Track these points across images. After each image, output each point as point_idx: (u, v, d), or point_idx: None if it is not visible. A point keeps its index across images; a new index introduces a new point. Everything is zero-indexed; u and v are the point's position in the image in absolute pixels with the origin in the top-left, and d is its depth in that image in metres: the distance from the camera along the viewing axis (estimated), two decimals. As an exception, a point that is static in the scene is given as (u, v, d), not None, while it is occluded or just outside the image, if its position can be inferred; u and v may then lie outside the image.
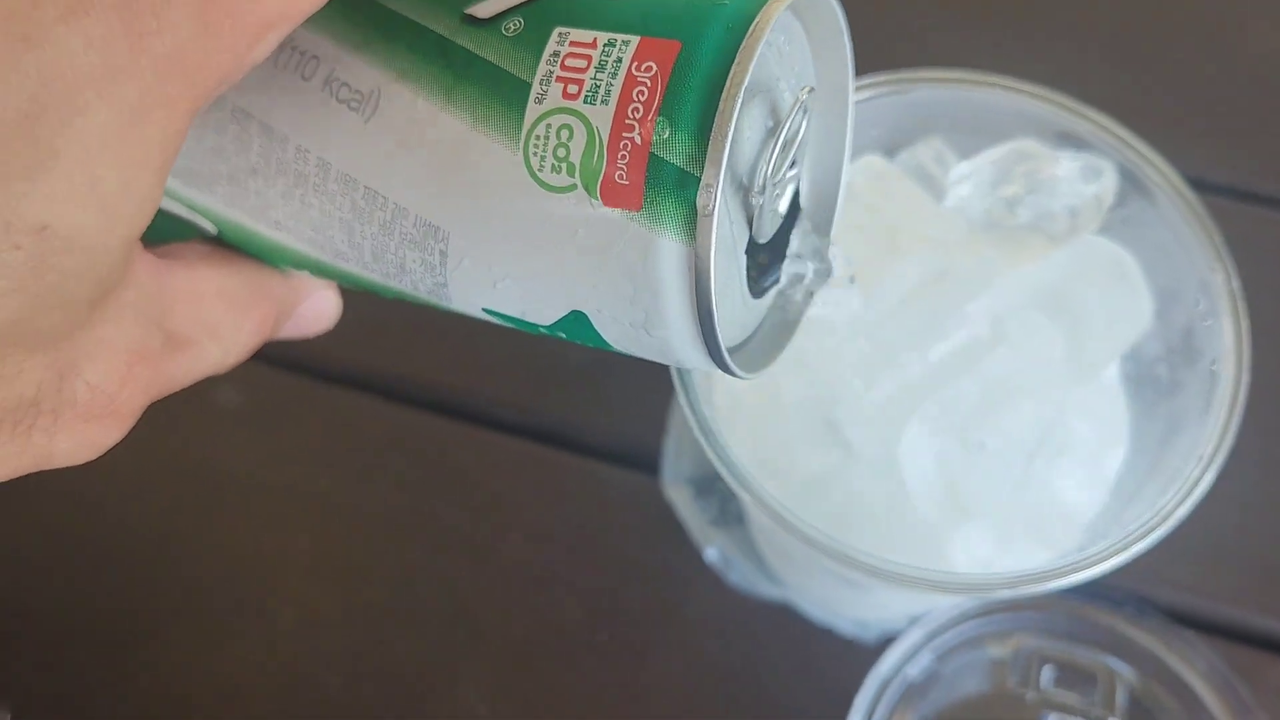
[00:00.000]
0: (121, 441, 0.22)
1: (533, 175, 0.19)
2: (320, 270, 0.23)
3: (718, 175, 0.18)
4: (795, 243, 0.23)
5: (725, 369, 0.21)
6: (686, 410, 0.29)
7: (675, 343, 0.20)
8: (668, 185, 0.18)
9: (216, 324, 0.22)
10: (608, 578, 0.41)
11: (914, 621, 0.37)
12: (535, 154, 0.19)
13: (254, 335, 0.23)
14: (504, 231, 0.20)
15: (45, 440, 0.19)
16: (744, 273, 0.22)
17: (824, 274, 0.23)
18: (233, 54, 0.17)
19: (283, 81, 0.21)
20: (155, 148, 0.17)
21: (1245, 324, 0.28)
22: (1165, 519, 0.27)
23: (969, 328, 0.29)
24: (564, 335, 0.21)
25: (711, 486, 0.41)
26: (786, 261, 0.23)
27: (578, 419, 0.44)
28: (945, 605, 0.37)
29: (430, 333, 0.45)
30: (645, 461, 0.42)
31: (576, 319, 0.21)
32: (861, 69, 0.31)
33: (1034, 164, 0.29)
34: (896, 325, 0.29)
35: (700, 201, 0.18)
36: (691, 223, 0.18)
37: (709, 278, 0.19)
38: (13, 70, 0.16)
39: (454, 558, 0.42)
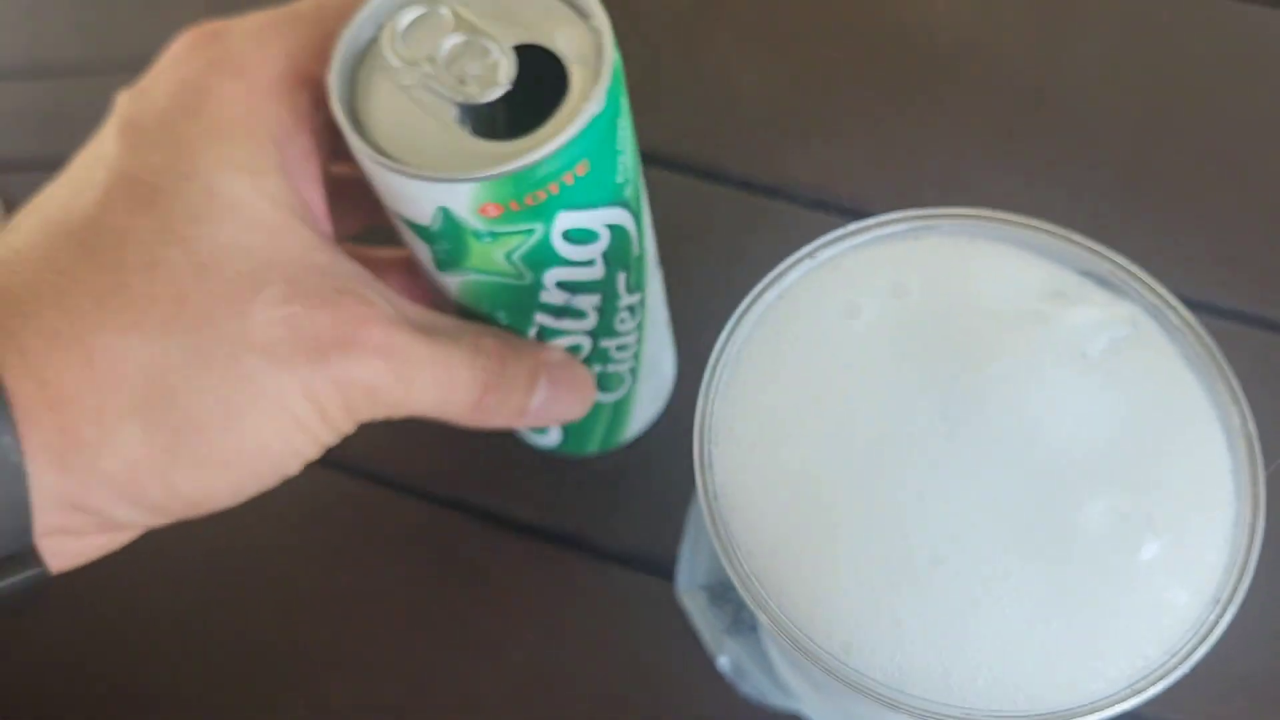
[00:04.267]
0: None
1: None
2: None
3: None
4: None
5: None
6: (709, 523, 0.29)
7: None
8: None
9: None
10: (618, 682, 0.42)
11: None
12: None
13: None
14: None
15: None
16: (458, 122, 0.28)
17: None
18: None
19: None
20: None
21: (1260, 467, 0.29)
22: (1184, 659, 0.27)
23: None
24: None
25: (726, 594, 0.41)
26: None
27: (594, 521, 0.44)
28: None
29: (453, 432, 0.46)
30: (660, 566, 0.43)
31: None
32: (881, 208, 0.32)
33: (1065, 302, 0.30)
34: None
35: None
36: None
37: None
38: None
39: (465, 655, 0.42)
